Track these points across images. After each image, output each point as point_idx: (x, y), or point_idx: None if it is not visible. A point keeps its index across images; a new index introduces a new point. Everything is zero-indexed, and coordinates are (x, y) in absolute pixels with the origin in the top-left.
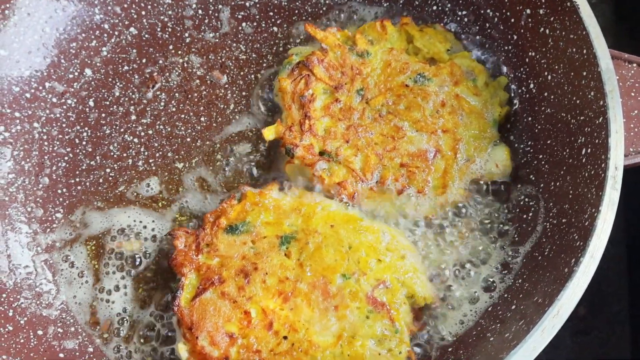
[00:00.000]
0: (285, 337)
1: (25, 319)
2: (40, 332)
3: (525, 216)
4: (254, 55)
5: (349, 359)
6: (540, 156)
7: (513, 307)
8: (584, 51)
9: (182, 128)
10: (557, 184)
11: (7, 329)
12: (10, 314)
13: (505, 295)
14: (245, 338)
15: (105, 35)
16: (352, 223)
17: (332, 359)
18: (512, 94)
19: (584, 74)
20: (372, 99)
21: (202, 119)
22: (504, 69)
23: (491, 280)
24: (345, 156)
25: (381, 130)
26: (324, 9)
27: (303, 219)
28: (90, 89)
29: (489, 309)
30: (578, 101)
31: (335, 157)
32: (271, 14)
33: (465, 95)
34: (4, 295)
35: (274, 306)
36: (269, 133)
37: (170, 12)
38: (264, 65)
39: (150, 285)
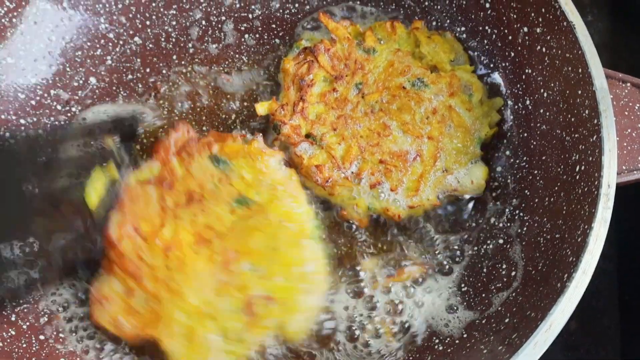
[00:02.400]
0: (168, 268)
1: (28, 323)
2: (42, 337)
3: (519, 230)
4: (255, 67)
5: (197, 342)
6: (535, 172)
7: (507, 320)
8: (579, 70)
9: None
10: (552, 199)
11: (9, 334)
12: (13, 318)
13: (500, 309)
14: (144, 241)
15: (110, 44)
16: (300, 235)
17: (187, 320)
18: (504, 117)
19: (579, 92)
20: (368, 95)
21: (204, 128)
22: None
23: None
24: (329, 143)
25: (369, 125)
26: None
27: (269, 197)
28: (95, 97)
29: (484, 321)
30: (573, 119)
31: (319, 141)
32: (273, 26)
33: (457, 108)
34: (7, 300)
35: (184, 240)
36: (261, 107)
37: (174, 23)
38: (266, 76)
39: None
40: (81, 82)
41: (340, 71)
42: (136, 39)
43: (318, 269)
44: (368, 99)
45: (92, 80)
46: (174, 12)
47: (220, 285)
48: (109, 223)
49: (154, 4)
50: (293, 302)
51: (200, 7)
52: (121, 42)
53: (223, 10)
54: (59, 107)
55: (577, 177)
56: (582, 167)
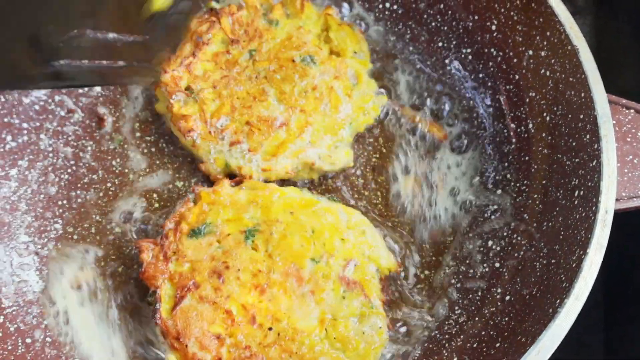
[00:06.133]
0: (270, 329)
1: (15, 326)
2: (28, 340)
3: (516, 254)
4: None
5: (336, 341)
6: (535, 195)
7: (497, 344)
8: (582, 94)
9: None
10: (550, 224)
11: None
12: (1, 320)
13: (492, 333)
14: (232, 337)
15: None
16: (310, 207)
17: (320, 343)
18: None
19: (581, 117)
20: (259, 62)
21: None
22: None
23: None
24: (204, 97)
25: (249, 88)
26: None
27: (262, 210)
28: (98, 104)
29: (475, 345)
30: (574, 143)
31: (195, 95)
32: None
33: (338, 91)
34: None
35: (253, 300)
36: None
37: None
38: None
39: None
40: (86, 88)
41: (239, 36)
42: None
43: (347, 212)
44: (257, 65)
45: (97, 87)
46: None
47: (313, 294)
48: None
49: None
50: (363, 246)
51: None
52: None
53: None
54: (62, 113)
55: (576, 202)
56: (581, 192)
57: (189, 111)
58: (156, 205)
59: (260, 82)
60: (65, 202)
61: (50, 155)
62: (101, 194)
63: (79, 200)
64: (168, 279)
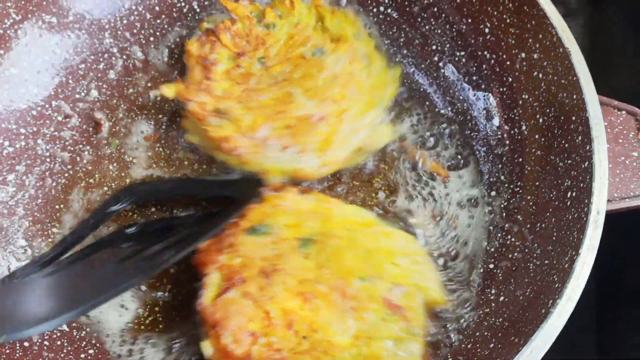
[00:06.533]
0: (304, 337)
1: None
2: (26, 344)
3: (510, 256)
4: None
5: (367, 359)
6: (528, 197)
7: (491, 345)
8: (574, 96)
9: (183, 151)
10: (542, 225)
11: None
12: None
13: (485, 334)
14: (266, 337)
15: (114, 58)
16: (369, 227)
17: (351, 359)
18: (500, 132)
19: (573, 118)
20: (272, 67)
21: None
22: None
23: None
24: (236, 115)
25: (274, 95)
26: None
27: (322, 222)
28: (95, 109)
29: (469, 346)
30: (566, 145)
31: (226, 115)
32: None
33: (358, 74)
34: None
35: (294, 306)
36: (168, 89)
37: (177, 40)
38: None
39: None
40: (83, 94)
41: (243, 48)
42: (139, 54)
43: (405, 239)
44: (271, 71)
45: (94, 93)
46: (178, 28)
47: (354, 311)
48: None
49: (158, 21)
50: (414, 275)
51: None
52: (124, 57)
53: None
54: (59, 118)
55: (568, 203)
56: (574, 194)
57: (227, 131)
58: (152, 209)
59: (282, 86)
60: (62, 206)
61: (48, 160)
62: (98, 199)
63: (76, 204)
64: (218, 269)
